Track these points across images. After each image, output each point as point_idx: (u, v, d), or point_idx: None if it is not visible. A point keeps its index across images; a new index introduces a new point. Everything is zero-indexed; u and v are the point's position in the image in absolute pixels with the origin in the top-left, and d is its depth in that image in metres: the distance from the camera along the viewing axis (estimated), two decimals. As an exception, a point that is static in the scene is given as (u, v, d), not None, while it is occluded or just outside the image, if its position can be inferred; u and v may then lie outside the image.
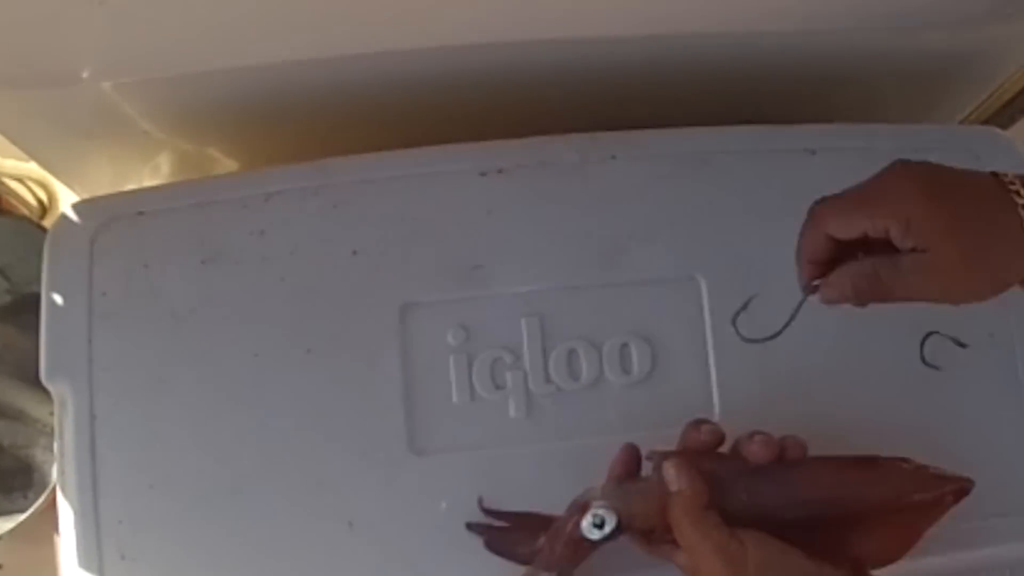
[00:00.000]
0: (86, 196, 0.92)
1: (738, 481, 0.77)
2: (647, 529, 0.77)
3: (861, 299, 0.73)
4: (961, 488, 0.80)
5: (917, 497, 0.80)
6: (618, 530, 0.76)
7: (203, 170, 1.01)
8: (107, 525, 0.84)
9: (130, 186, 1.02)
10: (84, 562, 0.84)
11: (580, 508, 0.77)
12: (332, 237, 0.88)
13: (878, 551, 0.79)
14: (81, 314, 0.87)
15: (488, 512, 0.84)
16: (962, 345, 0.90)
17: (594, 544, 0.77)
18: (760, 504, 0.77)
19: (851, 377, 0.90)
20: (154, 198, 0.91)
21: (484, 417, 0.87)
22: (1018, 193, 0.70)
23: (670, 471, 0.75)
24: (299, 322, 0.87)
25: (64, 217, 0.90)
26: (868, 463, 0.81)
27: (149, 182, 1.04)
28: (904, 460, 0.81)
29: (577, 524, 0.76)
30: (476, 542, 0.84)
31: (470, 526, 0.84)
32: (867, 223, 0.70)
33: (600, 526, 0.76)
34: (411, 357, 0.87)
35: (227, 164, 1.01)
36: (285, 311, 0.87)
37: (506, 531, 0.84)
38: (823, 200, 0.73)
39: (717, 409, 0.88)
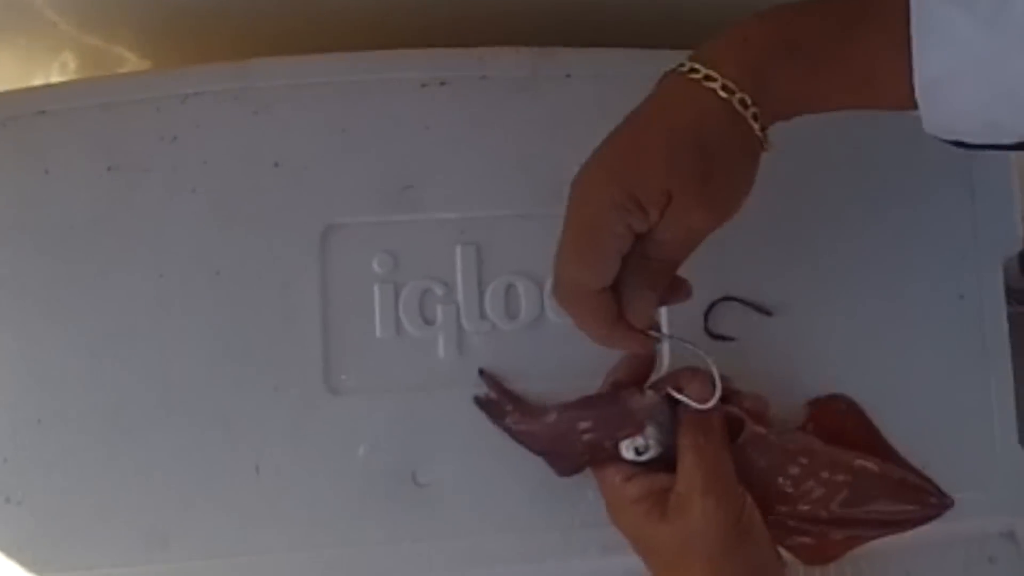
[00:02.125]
0: (-11, 94, 0.82)
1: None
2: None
3: (663, 298, 0.69)
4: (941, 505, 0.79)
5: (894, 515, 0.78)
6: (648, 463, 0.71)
7: (113, 71, 0.91)
8: (-8, 465, 0.75)
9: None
10: (-34, 505, 0.74)
11: (633, 422, 0.71)
12: (251, 146, 0.79)
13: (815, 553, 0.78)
14: (-29, 225, 0.76)
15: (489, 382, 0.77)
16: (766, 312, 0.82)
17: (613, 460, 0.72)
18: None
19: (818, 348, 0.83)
20: (57, 96, 0.82)
21: (410, 355, 0.78)
22: (744, 103, 0.63)
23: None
24: (210, 240, 0.78)
25: (-43, 115, 0.79)
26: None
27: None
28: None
29: (616, 437, 0.71)
30: (395, 490, 0.77)
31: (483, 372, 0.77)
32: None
33: (641, 452, 0.71)
34: (332, 285, 0.78)
35: (140, 65, 0.91)
36: (195, 227, 0.78)
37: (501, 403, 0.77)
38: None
39: (666, 361, 0.79)
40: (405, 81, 0.80)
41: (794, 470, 0.74)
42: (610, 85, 0.80)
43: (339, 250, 0.78)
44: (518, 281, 0.79)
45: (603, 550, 0.76)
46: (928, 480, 0.80)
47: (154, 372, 0.76)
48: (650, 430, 0.71)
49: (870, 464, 0.77)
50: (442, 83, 0.81)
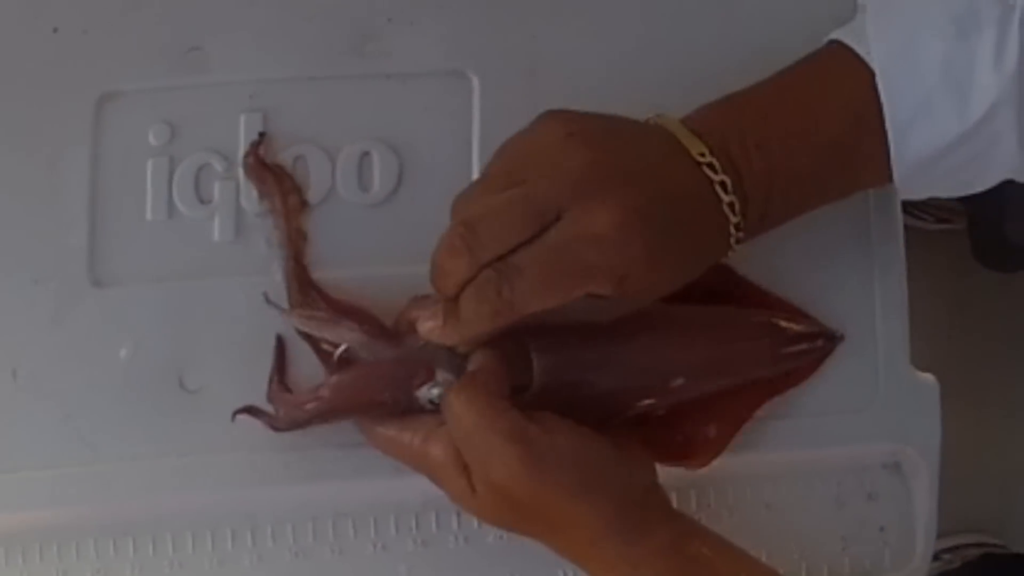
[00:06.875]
0: None
1: (532, 351, 0.60)
2: None
3: None
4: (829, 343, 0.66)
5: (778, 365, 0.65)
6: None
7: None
8: None
9: None
10: None
11: (422, 366, 0.59)
12: (31, 10, 0.69)
13: (693, 441, 0.65)
14: None
15: None
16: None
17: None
18: (558, 381, 0.60)
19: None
20: None
21: (182, 239, 0.67)
22: (712, 167, 0.57)
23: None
24: (-22, 118, 0.67)
25: None
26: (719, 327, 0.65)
27: None
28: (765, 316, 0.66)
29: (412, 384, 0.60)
30: (160, 397, 0.66)
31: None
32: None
33: (436, 402, 0.59)
34: (103, 161, 0.68)
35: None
36: (-37, 103, 0.67)
37: None
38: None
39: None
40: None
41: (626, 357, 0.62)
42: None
43: (114, 121, 0.68)
44: (308, 152, 0.67)
45: (395, 471, 0.63)
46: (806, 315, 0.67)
47: None
48: (441, 374, 0.60)
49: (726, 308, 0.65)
50: (231, -68, 0.69)
